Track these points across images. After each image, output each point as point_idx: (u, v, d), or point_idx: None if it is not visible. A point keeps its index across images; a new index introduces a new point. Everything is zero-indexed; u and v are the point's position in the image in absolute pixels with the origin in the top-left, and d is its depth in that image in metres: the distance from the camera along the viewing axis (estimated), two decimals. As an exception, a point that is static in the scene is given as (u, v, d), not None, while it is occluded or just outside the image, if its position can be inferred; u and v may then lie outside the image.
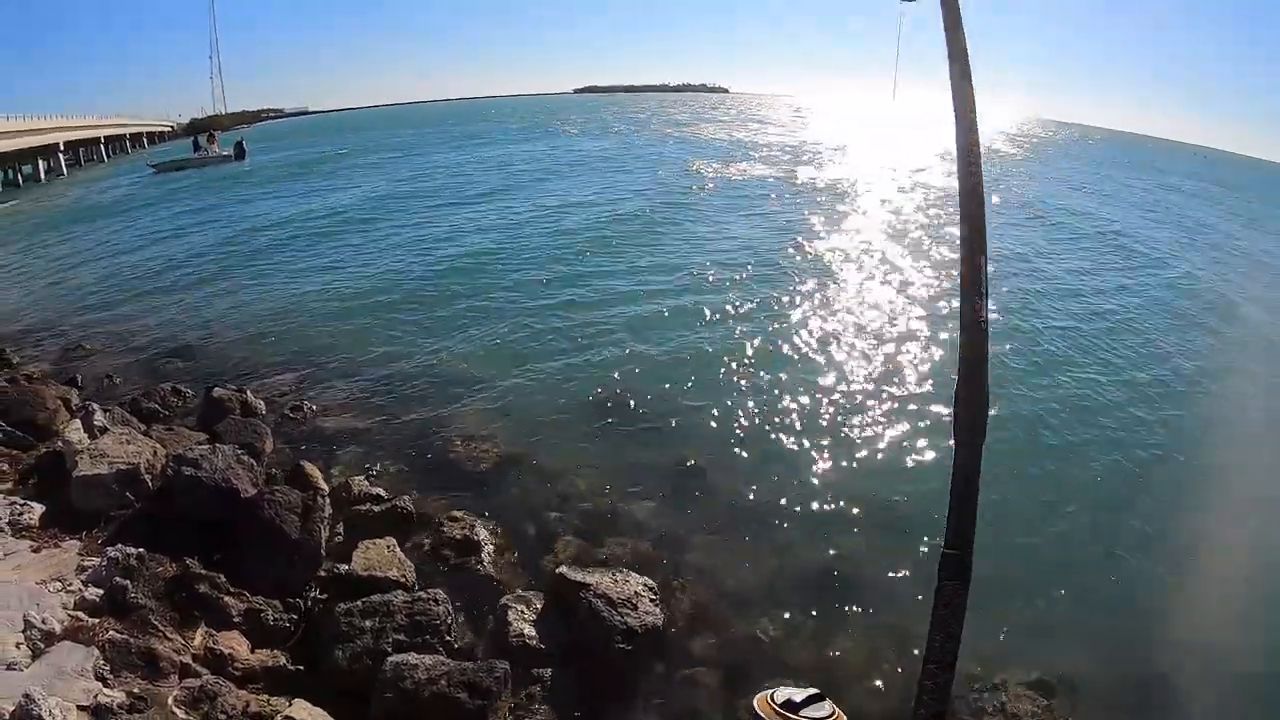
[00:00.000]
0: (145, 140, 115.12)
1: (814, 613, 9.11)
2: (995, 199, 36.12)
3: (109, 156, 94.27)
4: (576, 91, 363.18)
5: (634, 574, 9.12)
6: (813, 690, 2.68)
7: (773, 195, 38.03)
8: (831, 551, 10.12)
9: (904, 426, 13.13)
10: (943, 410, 13.37)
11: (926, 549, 9.76)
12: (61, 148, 75.46)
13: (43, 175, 70.10)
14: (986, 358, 2.70)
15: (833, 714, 2.62)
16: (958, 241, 2.43)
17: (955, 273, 2.45)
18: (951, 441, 2.39)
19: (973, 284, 2.72)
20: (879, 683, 8.12)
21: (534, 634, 8.39)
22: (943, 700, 2.53)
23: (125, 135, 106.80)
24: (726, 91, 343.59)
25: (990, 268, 2.43)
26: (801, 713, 2.61)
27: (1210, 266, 28.62)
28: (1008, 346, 16.81)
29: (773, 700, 2.68)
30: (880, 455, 12.41)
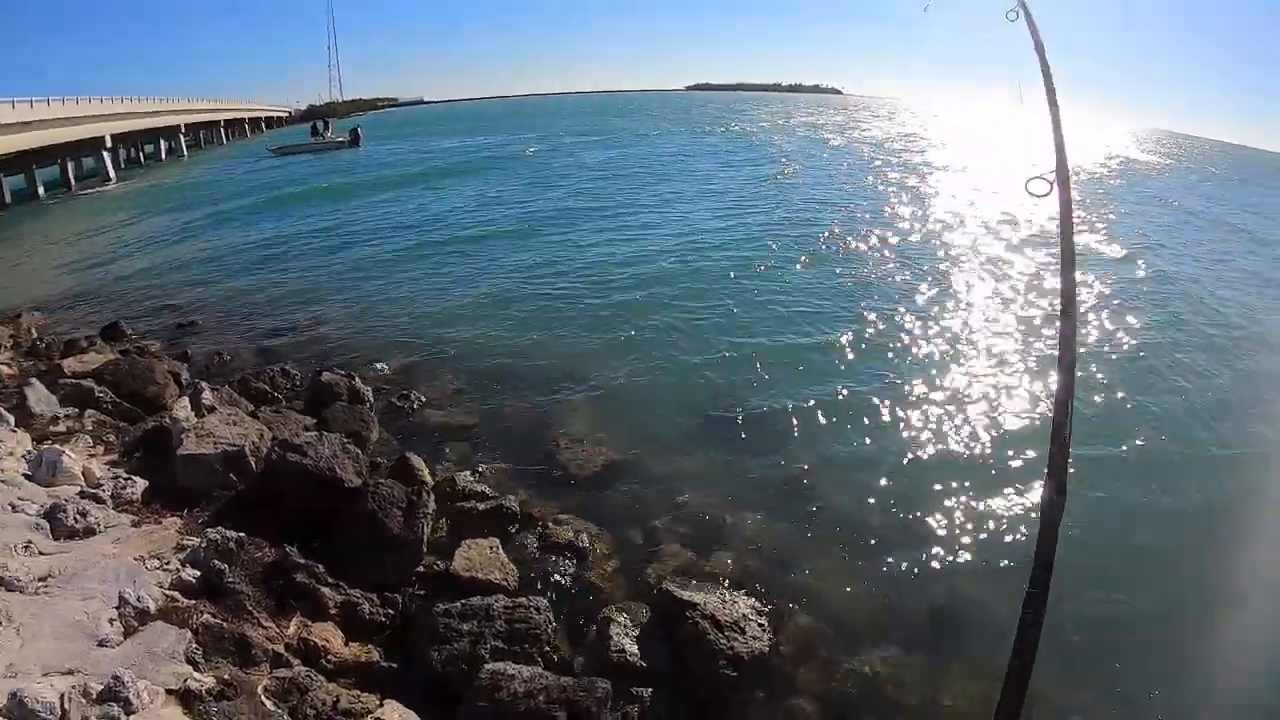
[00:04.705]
0: (264, 124, 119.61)
1: (925, 652, 8.44)
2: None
3: (228, 139, 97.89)
4: (688, 89, 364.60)
5: (741, 595, 8.68)
6: None
7: (917, 203, 36.67)
8: (948, 587, 9.40)
9: (1040, 464, 12.23)
10: (1081, 453, 12.64)
11: (995, 577, 9.23)
12: (183, 129, 78.48)
13: (164, 155, 72.98)
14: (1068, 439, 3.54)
15: None
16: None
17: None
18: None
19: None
20: (954, 710, 7.56)
21: (635, 650, 7.97)
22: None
23: (244, 119, 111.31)
24: (840, 93, 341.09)
25: None
26: None
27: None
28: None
29: None
30: (1011, 491, 11.54)
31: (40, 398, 11.56)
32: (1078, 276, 3.92)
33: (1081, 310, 19.72)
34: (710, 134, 79.87)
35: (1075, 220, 4.25)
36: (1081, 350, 16.58)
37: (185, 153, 78.32)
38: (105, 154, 58.05)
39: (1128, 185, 52.40)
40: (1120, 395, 14.56)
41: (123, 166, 63.11)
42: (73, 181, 53.38)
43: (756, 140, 72.79)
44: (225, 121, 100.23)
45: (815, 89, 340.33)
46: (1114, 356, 16.67)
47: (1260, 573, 9.53)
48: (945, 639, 8.70)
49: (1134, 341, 17.57)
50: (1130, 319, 19.01)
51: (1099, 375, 15.36)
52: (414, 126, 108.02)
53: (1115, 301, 20.58)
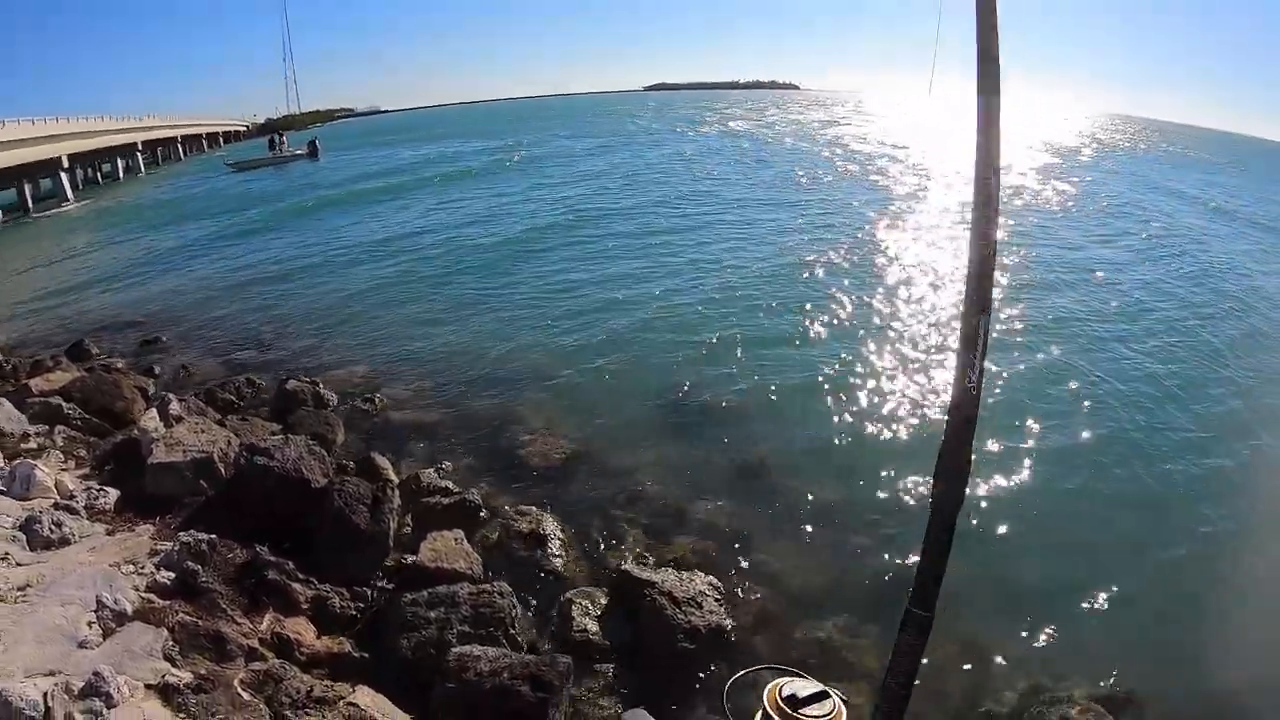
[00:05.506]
0: (221, 139, 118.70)
1: (880, 619, 8.78)
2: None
3: (186, 155, 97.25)
4: (647, 89, 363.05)
5: (699, 573, 9.01)
6: (819, 688, 2.95)
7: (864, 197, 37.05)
8: (900, 557, 9.77)
9: (986, 436, 12.60)
10: (1026, 419, 13.15)
11: (996, 558, 9.56)
12: (140, 147, 77.85)
13: (121, 174, 72.28)
14: (974, 426, 2.95)
15: (831, 712, 2.87)
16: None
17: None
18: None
19: (968, 348, 2.90)
20: (942, 689, 7.89)
21: (597, 630, 8.34)
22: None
23: (202, 135, 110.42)
24: (798, 88, 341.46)
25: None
26: (801, 711, 2.86)
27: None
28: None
29: (780, 693, 2.95)
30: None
31: (9, 417, 11.71)
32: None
33: (1079, 293, 20.36)
34: (696, 136, 77.55)
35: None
36: (1087, 332, 17.30)
37: (143, 170, 77.44)
38: (63, 174, 57.13)
39: (1108, 168, 53.48)
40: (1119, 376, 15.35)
41: (80, 187, 62.21)
42: (30, 204, 52.75)
43: (744, 138, 72.61)
44: (183, 138, 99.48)
45: (773, 85, 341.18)
46: (1120, 340, 17.41)
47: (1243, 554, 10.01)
48: (899, 604, 9.02)
49: (1142, 325, 18.41)
50: (1144, 296, 20.10)
51: (1109, 357, 16.17)
52: (374, 136, 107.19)
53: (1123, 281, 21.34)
